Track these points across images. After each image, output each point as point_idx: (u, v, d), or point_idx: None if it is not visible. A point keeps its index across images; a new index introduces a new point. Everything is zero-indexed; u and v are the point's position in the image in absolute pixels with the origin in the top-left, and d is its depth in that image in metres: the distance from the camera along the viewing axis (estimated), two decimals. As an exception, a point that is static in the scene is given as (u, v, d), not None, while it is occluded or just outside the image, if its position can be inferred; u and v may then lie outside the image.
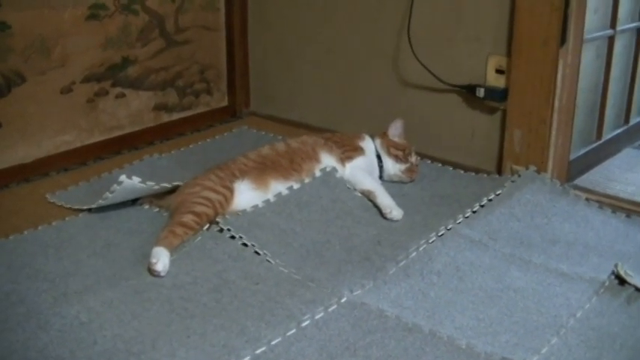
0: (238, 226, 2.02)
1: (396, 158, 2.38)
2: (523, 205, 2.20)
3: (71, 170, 2.56)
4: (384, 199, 2.21)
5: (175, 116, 2.92)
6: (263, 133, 2.88)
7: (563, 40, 2.23)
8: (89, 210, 2.20)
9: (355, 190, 2.27)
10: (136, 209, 2.22)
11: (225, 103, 3.09)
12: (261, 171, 2.19)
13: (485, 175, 2.46)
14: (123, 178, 2.07)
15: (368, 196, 2.25)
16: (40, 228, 2.11)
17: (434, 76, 2.51)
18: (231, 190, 2.11)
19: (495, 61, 2.41)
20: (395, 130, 2.40)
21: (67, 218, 2.17)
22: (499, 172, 2.46)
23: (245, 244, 1.98)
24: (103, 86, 2.65)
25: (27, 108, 2.46)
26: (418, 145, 2.48)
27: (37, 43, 2.43)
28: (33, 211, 2.24)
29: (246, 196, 2.13)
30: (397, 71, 2.67)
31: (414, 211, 2.21)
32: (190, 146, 2.76)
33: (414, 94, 2.65)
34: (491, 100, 2.44)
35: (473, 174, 2.48)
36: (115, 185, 2.08)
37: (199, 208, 2.02)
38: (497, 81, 2.41)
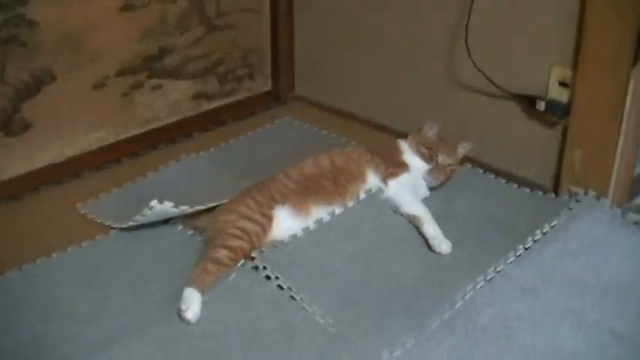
0: (274, 264, 1.91)
1: (422, 156, 2.22)
2: (579, 240, 2.05)
3: (104, 169, 2.46)
4: (430, 229, 2.06)
5: (215, 104, 2.77)
6: (306, 126, 2.73)
7: (636, 59, 2.03)
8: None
9: (400, 211, 2.13)
10: (169, 230, 2.12)
11: (268, 87, 2.93)
12: (303, 195, 2.06)
13: (540, 193, 2.29)
14: (154, 203, 1.97)
15: (413, 221, 2.11)
16: (69, 250, 2.04)
17: (491, 82, 2.31)
18: (269, 218, 1.99)
19: (559, 73, 2.19)
20: (428, 128, 2.24)
21: (97, 237, 2.09)
22: (556, 191, 2.28)
23: (281, 287, 1.87)
24: (139, 78, 2.51)
25: (58, 106, 2.33)
26: (470, 151, 2.32)
27: (67, 38, 2.28)
28: (62, 223, 2.17)
29: (285, 223, 2.01)
30: (451, 70, 2.47)
31: (463, 239, 2.06)
32: (230, 141, 2.63)
33: (468, 97, 2.45)
34: (552, 115, 2.24)
35: (527, 190, 2.30)
36: (146, 210, 1.99)
37: (235, 243, 1.91)
38: (559, 94, 2.21)
